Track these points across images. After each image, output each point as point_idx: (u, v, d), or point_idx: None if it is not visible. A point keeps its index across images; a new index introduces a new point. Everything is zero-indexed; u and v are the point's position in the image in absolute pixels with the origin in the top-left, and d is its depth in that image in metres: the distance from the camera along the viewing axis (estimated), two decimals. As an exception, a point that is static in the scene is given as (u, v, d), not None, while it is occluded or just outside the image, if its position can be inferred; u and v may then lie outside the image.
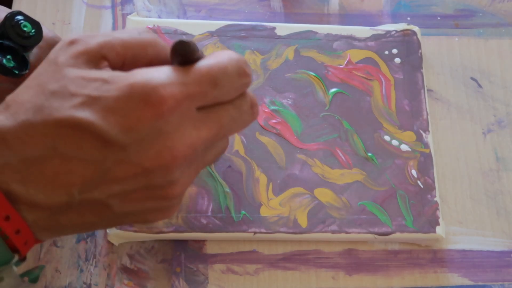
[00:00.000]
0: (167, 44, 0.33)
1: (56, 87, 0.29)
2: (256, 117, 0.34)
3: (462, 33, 0.52)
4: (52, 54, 0.31)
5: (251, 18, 0.51)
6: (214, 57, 0.31)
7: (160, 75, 0.29)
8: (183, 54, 0.30)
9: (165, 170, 0.29)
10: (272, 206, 0.43)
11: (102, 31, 0.49)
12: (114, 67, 0.31)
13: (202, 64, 0.31)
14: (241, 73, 0.32)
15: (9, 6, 0.49)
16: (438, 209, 0.44)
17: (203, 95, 0.30)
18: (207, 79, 0.30)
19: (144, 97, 0.28)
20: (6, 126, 0.28)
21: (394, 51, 0.49)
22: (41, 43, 0.37)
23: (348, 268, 0.44)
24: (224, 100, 0.32)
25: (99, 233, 0.43)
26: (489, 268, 0.44)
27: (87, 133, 0.28)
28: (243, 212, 0.43)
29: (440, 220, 0.44)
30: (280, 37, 0.49)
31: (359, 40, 0.49)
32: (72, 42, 0.30)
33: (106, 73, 0.29)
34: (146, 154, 0.29)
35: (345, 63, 0.48)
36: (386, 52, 0.49)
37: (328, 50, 0.48)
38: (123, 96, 0.28)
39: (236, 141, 0.45)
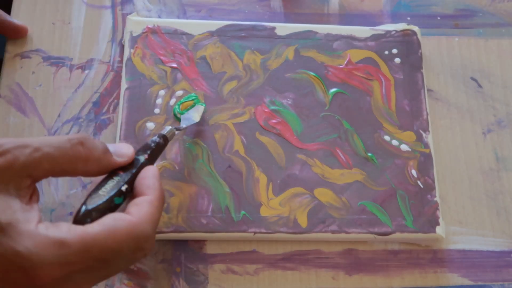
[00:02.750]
0: (100, 156, 0.33)
1: None
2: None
3: (462, 33, 0.52)
4: None
5: (251, 18, 0.51)
6: (112, 229, 0.30)
7: (46, 250, 0.29)
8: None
9: None
10: (272, 206, 0.43)
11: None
12: (38, 180, 0.31)
13: (99, 239, 0.30)
14: (138, 250, 0.31)
15: (9, 6, 0.49)
16: (438, 209, 0.44)
17: (88, 269, 0.30)
18: (96, 258, 0.30)
19: (23, 271, 0.28)
20: None
21: (394, 51, 0.49)
22: None
23: (348, 268, 0.44)
24: None
25: (99, 233, 0.43)
26: (489, 268, 0.44)
27: None
28: (243, 212, 0.43)
29: (440, 220, 0.44)
30: (280, 37, 0.48)
31: (359, 40, 0.49)
32: (1, 154, 0.30)
33: (8, 219, 0.29)
34: None
35: (345, 63, 0.48)
36: (386, 52, 0.49)
37: (328, 50, 0.48)
38: (4, 261, 0.28)
39: (236, 141, 0.45)
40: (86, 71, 0.48)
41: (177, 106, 0.45)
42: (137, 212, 0.32)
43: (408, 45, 0.49)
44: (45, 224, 0.30)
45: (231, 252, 0.43)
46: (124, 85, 0.46)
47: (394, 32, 0.49)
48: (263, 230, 0.42)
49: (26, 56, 0.48)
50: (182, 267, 0.43)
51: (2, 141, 0.30)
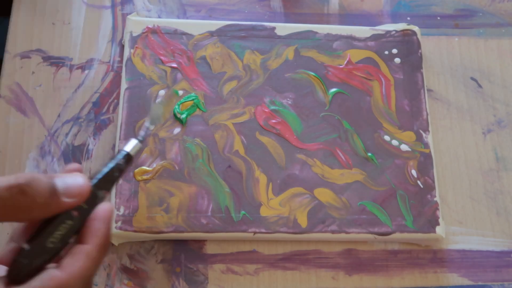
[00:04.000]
0: (45, 201, 0.29)
1: None
2: None
3: (462, 33, 0.52)
4: None
5: (251, 18, 0.51)
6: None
7: None
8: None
9: None
10: (272, 206, 0.43)
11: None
12: None
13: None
14: None
15: (9, 6, 0.49)
16: (438, 209, 0.44)
17: None
18: None
19: None
20: None
21: (394, 51, 0.49)
22: None
23: (348, 268, 0.44)
24: None
25: (99, 233, 0.43)
26: (489, 268, 0.44)
27: None
28: (243, 212, 0.43)
29: (440, 220, 0.44)
30: (280, 37, 0.48)
31: (359, 40, 0.49)
32: None
33: None
34: None
35: (345, 63, 0.48)
36: (386, 52, 0.49)
37: (328, 50, 0.48)
38: None
39: (236, 141, 0.45)
40: (86, 71, 0.48)
41: (177, 106, 0.45)
42: (70, 267, 0.29)
43: (408, 45, 0.49)
44: None
45: (231, 252, 0.43)
46: (124, 85, 0.46)
47: (394, 32, 0.49)
48: (263, 230, 0.42)
49: (26, 56, 0.48)
50: (182, 267, 0.43)
51: None
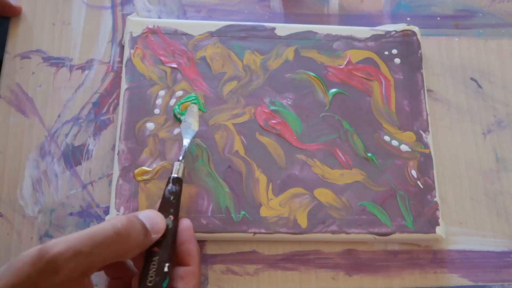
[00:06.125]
0: (143, 241, 0.33)
1: None
2: None
3: (462, 33, 0.52)
4: (33, 274, 0.30)
5: (251, 19, 0.51)
6: None
7: None
8: None
9: None
10: (272, 206, 0.43)
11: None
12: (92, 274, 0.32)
13: None
14: None
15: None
16: (438, 209, 0.44)
17: None
18: None
19: None
20: None
21: (394, 51, 0.49)
22: None
23: (348, 268, 0.44)
24: None
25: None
26: (489, 269, 0.44)
27: None
28: (243, 212, 0.43)
29: (440, 221, 0.44)
30: (280, 37, 0.49)
31: (359, 40, 0.49)
32: (56, 271, 0.30)
33: None
34: None
35: (345, 63, 0.48)
36: (386, 53, 0.49)
37: (328, 51, 0.48)
38: None
39: (236, 142, 0.45)
40: (86, 72, 0.48)
41: (177, 107, 0.45)
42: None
43: (408, 45, 0.49)
44: None
45: (231, 252, 0.43)
46: (124, 85, 0.46)
47: (394, 32, 0.49)
48: (263, 231, 0.42)
49: (26, 56, 0.48)
50: (182, 267, 0.43)
51: (53, 253, 0.30)
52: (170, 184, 0.38)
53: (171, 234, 0.35)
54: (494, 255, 0.45)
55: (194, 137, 0.43)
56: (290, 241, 0.44)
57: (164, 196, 0.38)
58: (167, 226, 0.35)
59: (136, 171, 0.43)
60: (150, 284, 0.33)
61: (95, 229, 0.32)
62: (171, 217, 0.36)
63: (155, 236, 0.35)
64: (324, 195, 0.44)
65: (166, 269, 0.34)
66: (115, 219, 0.33)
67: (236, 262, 0.43)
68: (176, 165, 0.39)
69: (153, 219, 0.35)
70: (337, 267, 0.44)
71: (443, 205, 0.46)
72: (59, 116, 0.46)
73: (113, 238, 0.32)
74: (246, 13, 0.51)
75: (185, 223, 0.37)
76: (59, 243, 0.30)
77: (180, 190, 0.38)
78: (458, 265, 0.44)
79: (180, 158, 0.40)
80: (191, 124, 0.43)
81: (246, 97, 0.46)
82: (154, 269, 0.33)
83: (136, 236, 0.33)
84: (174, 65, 0.47)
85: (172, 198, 0.37)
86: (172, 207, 0.37)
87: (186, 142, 0.42)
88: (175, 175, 0.39)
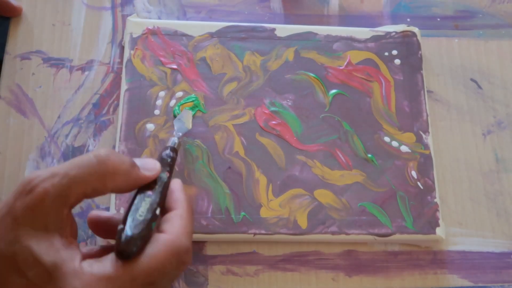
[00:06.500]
0: (128, 170, 0.32)
1: (4, 249, 0.29)
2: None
3: (462, 34, 0.52)
4: (10, 199, 0.30)
5: (251, 19, 0.51)
6: (154, 254, 0.31)
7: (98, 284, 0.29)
8: (125, 253, 0.30)
9: None
10: (272, 207, 0.43)
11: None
12: (73, 206, 0.31)
13: (143, 266, 0.30)
14: (180, 264, 0.32)
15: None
16: (438, 210, 0.44)
17: None
18: (144, 283, 0.30)
19: None
20: None
21: (394, 52, 0.49)
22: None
23: (348, 269, 0.44)
24: None
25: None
26: (489, 269, 0.44)
27: None
28: (243, 213, 0.43)
29: (440, 221, 0.44)
30: (280, 38, 0.49)
31: (359, 41, 0.49)
32: (30, 191, 0.30)
33: (53, 260, 0.29)
34: None
35: (345, 64, 0.48)
36: (386, 53, 0.49)
37: (328, 51, 0.48)
38: None
39: (236, 142, 0.45)
40: (86, 73, 0.48)
41: (177, 107, 0.45)
42: (171, 228, 0.32)
43: (408, 46, 0.49)
44: (88, 261, 0.30)
45: (231, 253, 0.43)
46: (124, 86, 0.46)
47: (394, 33, 0.49)
48: (263, 231, 0.42)
49: (26, 57, 0.48)
50: (182, 268, 0.43)
51: (31, 176, 0.30)
52: (168, 150, 0.38)
53: (165, 186, 0.35)
54: (494, 256, 0.45)
55: (186, 133, 0.43)
56: (290, 242, 0.44)
57: (160, 156, 0.37)
58: (161, 178, 0.35)
59: (136, 172, 0.43)
60: (140, 218, 0.32)
61: (77, 157, 0.32)
62: (167, 173, 0.36)
63: (146, 173, 0.34)
64: (324, 196, 0.44)
65: (157, 212, 0.33)
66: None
67: (236, 263, 0.43)
68: (173, 139, 0.39)
69: (144, 160, 0.35)
70: (337, 268, 0.44)
71: (443, 206, 0.46)
72: (59, 117, 0.46)
73: (91, 160, 0.31)
74: (246, 14, 0.51)
75: (179, 181, 0.36)
76: (42, 169, 0.30)
77: (175, 158, 0.38)
78: (458, 266, 0.44)
79: (179, 135, 0.40)
80: (184, 123, 0.43)
81: (246, 98, 0.46)
82: (147, 207, 0.33)
83: (118, 162, 0.32)
84: (174, 66, 0.47)
85: (169, 160, 0.37)
86: (168, 166, 0.36)
87: (180, 132, 0.42)
88: (172, 145, 0.39)
